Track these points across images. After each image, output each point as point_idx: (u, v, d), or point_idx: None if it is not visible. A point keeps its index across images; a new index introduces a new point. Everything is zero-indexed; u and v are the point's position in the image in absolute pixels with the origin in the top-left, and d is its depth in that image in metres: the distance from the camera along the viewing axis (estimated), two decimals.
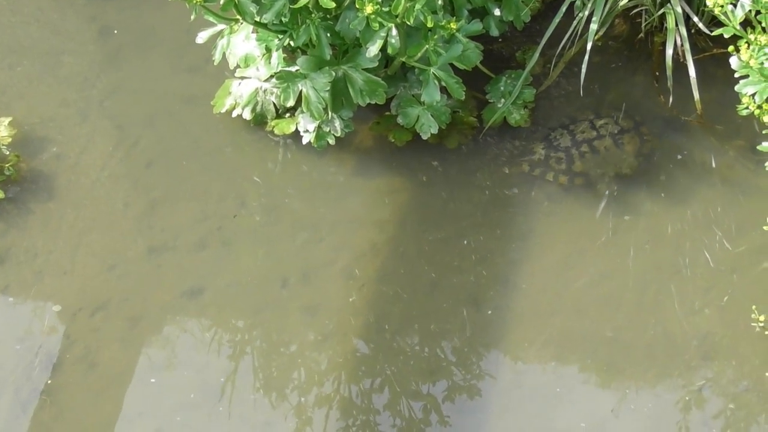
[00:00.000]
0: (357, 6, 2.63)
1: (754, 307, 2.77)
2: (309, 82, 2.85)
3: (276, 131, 3.10)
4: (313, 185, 3.08)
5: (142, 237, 3.00)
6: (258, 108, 3.11)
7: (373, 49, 2.77)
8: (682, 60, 3.11)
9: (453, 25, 2.77)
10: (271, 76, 3.04)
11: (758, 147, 2.57)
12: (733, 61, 2.43)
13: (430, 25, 2.71)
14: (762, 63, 2.39)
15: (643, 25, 3.23)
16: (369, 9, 2.62)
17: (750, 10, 2.42)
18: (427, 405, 2.71)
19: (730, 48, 2.42)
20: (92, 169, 3.13)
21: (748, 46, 2.39)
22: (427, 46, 2.81)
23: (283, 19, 2.77)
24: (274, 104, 3.11)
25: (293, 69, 2.87)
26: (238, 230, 3.01)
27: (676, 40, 3.04)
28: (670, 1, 3.01)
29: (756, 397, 2.68)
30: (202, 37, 3.02)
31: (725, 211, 2.96)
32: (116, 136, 3.20)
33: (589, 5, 3.02)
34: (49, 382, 2.76)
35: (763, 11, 2.41)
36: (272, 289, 2.90)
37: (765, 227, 2.83)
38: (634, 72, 3.23)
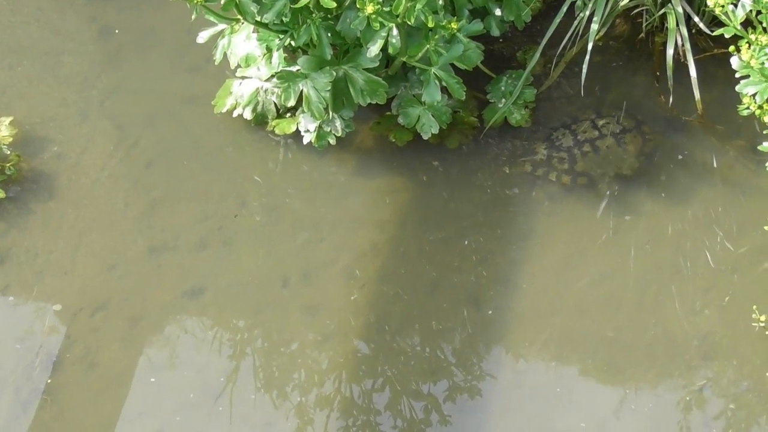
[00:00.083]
0: (358, 6, 2.63)
1: (754, 307, 2.77)
2: (310, 82, 2.85)
3: (277, 131, 3.10)
4: (313, 185, 3.08)
5: (143, 237, 3.00)
6: (259, 108, 3.11)
7: (373, 49, 2.77)
8: (682, 60, 3.11)
9: (454, 25, 2.77)
10: (272, 76, 3.05)
11: (759, 147, 2.57)
12: (734, 61, 2.43)
13: (431, 25, 2.70)
14: (763, 63, 2.39)
15: (644, 25, 3.23)
16: (370, 9, 2.62)
17: (751, 10, 2.42)
18: (428, 405, 2.71)
19: (731, 48, 2.42)
20: (93, 169, 3.13)
21: (749, 46, 2.39)
22: (427, 46, 2.81)
23: (283, 18, 2.77)
24: (275, 104, 3.11)
25: (294, 69, 2.87)
26: (239, 230, 3.01)
27: (676, 40, 3.04)
28: (671, 1, 3.01)
29: (756, 397, 2.68)
30: (202, 36, 3.02)
31: (726, 211, 2.96)
32: (117, 136, 3.19)
33: (590, 5, 3.02)
34: (50, 381, 2.76)
35: (763, 11, 2.40)
36: (273, 289, 2.90)
37: (766, 227, 2.83)
38: (635, 72, 3.23)
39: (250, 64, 2.99)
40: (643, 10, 3.19)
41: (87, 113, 3.24)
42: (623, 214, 2.97)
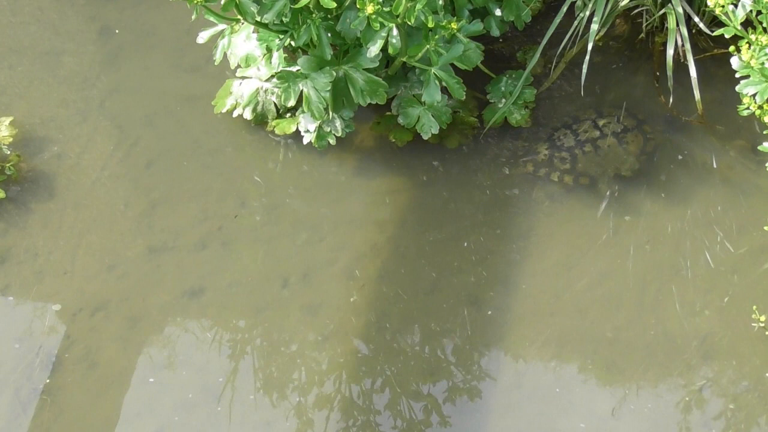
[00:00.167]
0: (358, 6, 2.63)
1: (754, 307, 2.77)
2: (310, 82, 2.85)
3: (277, 131, 3.10)
4: (313, 185, 3.08)
5: (143, 237, 3.00)
6: (259, 108, 3.11)
7: (374, 49, 2.77)
8: (682, 60, 3.11)
9: (454, 25, 2.77)
10: (272, 76, 3.05)
11: (759, 147, 2.57)
12: (734, 62, 2.43)
13: (431, 25, 2.70)
14: (763, 63, 2.39)
15: (644, 25, 3.23)
16: (370, 9, 2.62)
17: (751, 11, 2.42)
18: (428, 405, 2.71)
19: (731, 48, 2.42)
20: (92, 169, 3.13)
21: (749, 47, 2.39)
22: (427, 46, 2.81)
23: (283, 19, 2.77)
24: (275, 104, 3.11)
25: (294, 69, 2.87)
26: (239, 230, 3.01)
27: (677, 40, 3.04)
28: (671, 2, 3.01)
29: (756, 397, 2.68)
30: (202, 37, 3.02)
31: (726, 211, 2.96)
32: (116, 136, 3.20)
33: (590, 5, 3.02)
34: (50, 381, 2.76)
35: (763, 11, 2.40)
36: (273, 289, 2.90)
37: (765, 227, 2.83)
38: (635, 72, 3.23)
39: (250, 64, 2.99)
40: (643, 10, 3.19)
41: (87, 113, 3.24)
42: (623, 214, 2.97)
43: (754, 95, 2.42)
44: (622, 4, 3.05)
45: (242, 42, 2.96)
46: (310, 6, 2.75)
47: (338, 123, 2.99)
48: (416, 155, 3.10)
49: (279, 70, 2.94)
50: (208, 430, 2.70)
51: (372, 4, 2.62)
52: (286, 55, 2.99)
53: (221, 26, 2.98)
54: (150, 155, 3.15)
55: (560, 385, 2.73)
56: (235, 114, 3.13)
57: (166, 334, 2.84)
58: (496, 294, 2.86)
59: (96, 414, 2.73)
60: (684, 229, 2.94)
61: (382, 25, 2.70)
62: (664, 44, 3.08)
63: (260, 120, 3.13)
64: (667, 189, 3.01)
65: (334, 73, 2.86)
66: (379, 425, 2.69)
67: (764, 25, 2.42)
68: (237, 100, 3.12)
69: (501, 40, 3.27)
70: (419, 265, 2.92)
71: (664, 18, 3.14)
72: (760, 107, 2.43)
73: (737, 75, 2.44)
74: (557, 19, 3.05)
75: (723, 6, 2.38)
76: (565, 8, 3.04)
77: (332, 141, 3.02)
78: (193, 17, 2.79)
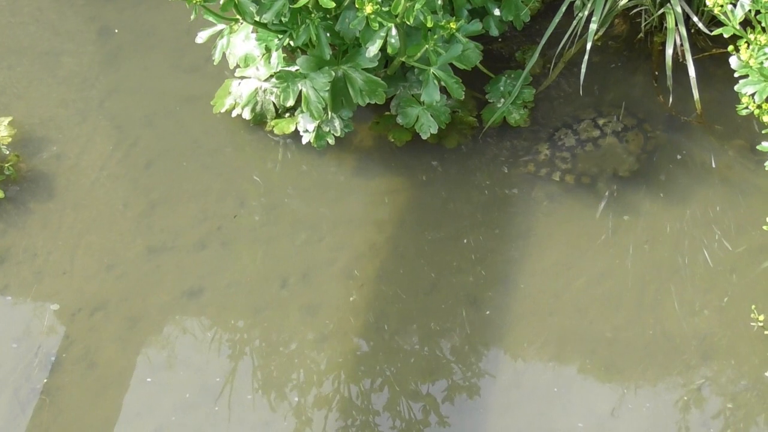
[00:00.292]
0: (357, 6, 2.63)
1: (753, 306, 2.77)
2: (309, 82, 2.85)
3: (276, 131, 3.10)
4: (312, 185, 3.08)
5: (142, 237, 3.00)
6: (258, 108, 3.11)
7: (372, 49, 2.77)
8: (681, 60, 3.11)
9: (453, 25, 2.77)
10: (271, 76, 3.05)
11: (758, 147, 2.57)
12: (733, 61, 2.43)
13: (429, 25, 2.71)
14: (762, 63, 2.39)
15: (643, 24, 3.23)
16: (369, 9, 2.62)
17: (750, 10, 2.42)
18: (427, 405, 2.71)
19: (730, 48, 2.42)
20: (92, 169, 3.13)
21: (748, 46, 2.39)
22: (426, 46, 2.81)
23: (282, 18, 2.77)
24: (274, 104, 3.11)
25: (293, 69, 2.87)
26: (238, 230, 3.01)
27: (675, 39, 3.04)
28: (669, 1, 3.01)
29: (755, 396, 2.68)
30: (201, 37, 3.02)
31: (724, 210, 2.96)
32: (116, 136, 3.20)
33: (589, 5, 3.02)
34: (48, 381, 2.76)
35: (762, 11, 2.40)
36: (272, 289, 2.90)
37: (764, 227, 2.83)
38: (634, 72, 3.23)
39: (249, 64, 2.99)
40: (641, 10, 3.19)
41: (86, 113, 3.24)
42: (622, 214, 2.97)
43: (752, 95, 2.42)
44: (621, 3, 3.05)
45: (241, 42, 2.96)
46: (309, 6, 2.75)
47: (337, 123, 2.99)
48: (415, 155, 3.10)
49: (278, 70, 2.94)
50: (207, 430, 2.70)
51: (371, 3, 2.62)
52: (285, 55, 2.99)
53: (220, 26, 2.98)
54: (149, 155, 3.15)
55: (559, 384, 2.73)
56: (234, 114, 3.13)
57: (165, 335, 2.85)
58: (495, 294, 2.86)
59: (95, 414, 2.73)
60: (683, 228, 2.94)
61: (381, 25, 2.70)
62: (663, 44, 3.08)
63: (259, 120, 3.13)
64: (666, 188, 3.01)
65: (333, 73, 2.86)
66: (378, 425, 2.69)
67: (763, 24, 2.42)
68: (236, 100, 3.12)
69: (500, 39, 3.27)
70: (418, 265, 2.92)
71: (662, 18, 3.14)
72: (759, 106, 2.43)
73: (736, 74, 2.44)
74: (556, 19, 3.05)
75: (722, 6, 2.38)
76: (563, 8, 3.04)
77: (331, 141, 3.02)
78: (192, 17, 2.79)
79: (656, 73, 3.19)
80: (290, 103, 2.87)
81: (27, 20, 3.45)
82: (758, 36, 2.38)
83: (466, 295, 2.87)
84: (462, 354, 2.78)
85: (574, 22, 3.06)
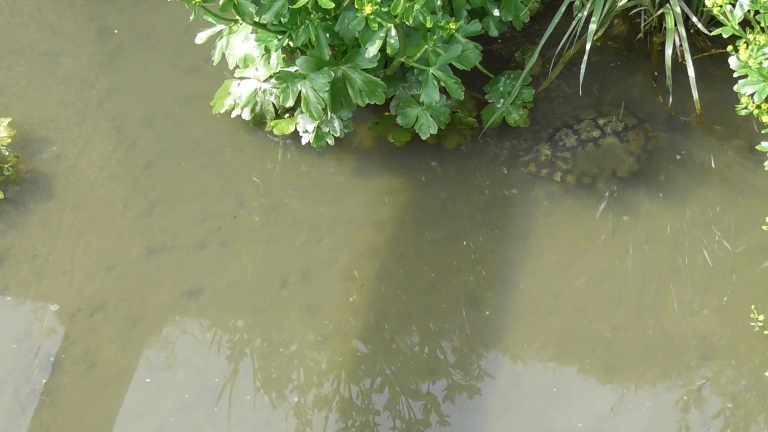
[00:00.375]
0: (356, 6, 2.63)
1: (753, 306, 2.77)
2: (308, 83, 2.85)
3: (275, 131, 3.10)
4: (312, 185, 3.08)
5: (141, 237, 3.00)
6: (257, 108, 3.11)
7: (372, 50, 2.77)
8: (681, 60, 3.11)
9: (452, 26, 2.77)
10: (271, 77, 3.05)
11: (757, 147, 2.57)
12: (732, 61, 2.43)
13: (429, 25, 2.71)
14: (761, 63, 2.39)
15: (642, 25, 3.23)
16: (368, 9, 2.62)
17: (749, 10, 2.42)
18: (427, 405, 2.71)
19: (729, 48, 2.42)
20: (91, 170, 3.13)
21: (747, 46, 2.39)
22: (426, 46, 2.81)
23: (282, 19, 2.78)
24: (274, 105, 3.11)
25: (292, 69, 2.87)
26: (238, 230, 3.01)
27: (675, 40, 3.04)
28: (669, 1, 3.01)
29: (755, 396, 2.68)
30: (201, 37, 3.02)
31: (724, 210, 2.96)
32: (115, 136, 3.20)
33: (588, 5, 3.02)
34: (48, 382, 2.76)
35: (761, 11, 2.41)
36: (272, 289, 2.90)
37: (764, 227, 2.84)
38: (633, 72, 3.23)
39: (248, 64, 2.99)
40: (641, 10, 3.19)
41: (85, 114, 3.24)
42: (621, 214, 2.97)
43: (752, 95, 2.42)
44: (620, 4, 3.06)
45: (240, 42, 2.96)
46: (309, 6, 2.75)
47: (337, 123, 2.99)
48: (415, 155, 3.10)
49: (277, 71, 2.94)
50: (207, 430, 2.70)
51: (370, 4, 2.62)
52: (285, 55, 2.99)
53: (219, 27, 2.98)
54: (149, 156, 3.15)
55: (558, 384, 2.73)
56: (233, 114, 3.13)
57: (165, 335, 2.85)
58: (494, 294, 2.87)
59: (95, 414, 2.73)
60: (682, 228, 2.94)
61: (381, 26, 2.70)
62: (663, 44, 3.09)
63: (259, 120, 3.13)
64: (665, 189, 3.01)
65: (333, 74, 2.86)
66: (378, 425, 2.69)
67: (762, 24, 2.42)
68: (235, 101, 3.12)
69: (499, 40, 3.27)
70: (418, 265, 2.92)
71: (662, 18, 3.14)
72: (758, 106, 2.43)
73: (735, 75, 2.44)
74: (555, 20, 3.05)
75: (721, 6, 2.38)
76: (563, 8, 3.04)
77: (331, 141, 3.02)
78: (192, 18, 2.79)
79: (655, 73, 3.20)
80: (290, 103, 2.87)
81: (26, 21, 3.45)
82: (757, 36, 2.39)
83: (465, 296, 2.87)
84: (462, 354, 2.78)
85: (574, 23, 3.06)
